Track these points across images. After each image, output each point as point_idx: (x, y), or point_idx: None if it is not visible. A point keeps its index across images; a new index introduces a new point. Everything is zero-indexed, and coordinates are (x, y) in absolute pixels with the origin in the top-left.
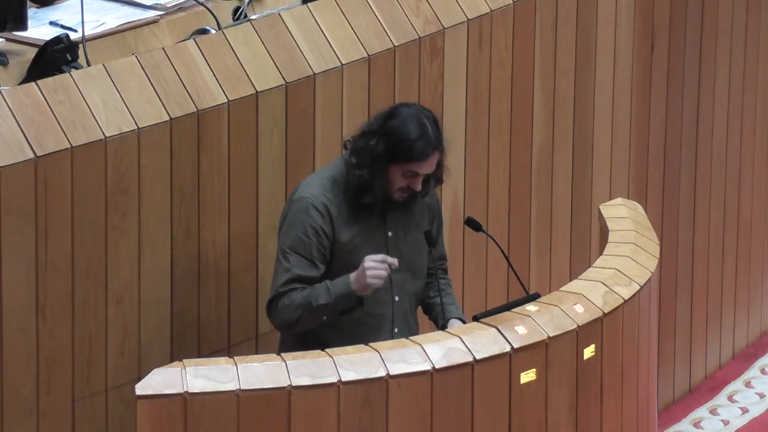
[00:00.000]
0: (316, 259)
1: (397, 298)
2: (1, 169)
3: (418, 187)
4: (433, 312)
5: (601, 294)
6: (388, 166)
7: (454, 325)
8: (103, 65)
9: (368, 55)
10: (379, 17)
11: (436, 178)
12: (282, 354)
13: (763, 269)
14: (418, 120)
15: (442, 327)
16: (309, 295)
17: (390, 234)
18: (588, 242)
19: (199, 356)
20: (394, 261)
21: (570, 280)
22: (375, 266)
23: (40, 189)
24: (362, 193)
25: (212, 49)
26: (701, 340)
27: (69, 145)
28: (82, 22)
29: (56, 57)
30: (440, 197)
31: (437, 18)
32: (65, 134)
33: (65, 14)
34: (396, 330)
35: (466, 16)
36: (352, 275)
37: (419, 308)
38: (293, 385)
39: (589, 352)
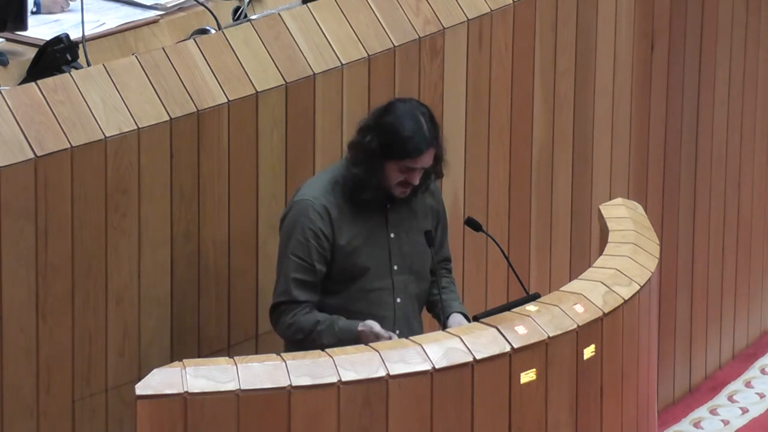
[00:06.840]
0: (315, 261)
1: (399, 300)
2: (1, 169)
3: (416, 181)
4: (435, 309)
5: (601, 294)
6: (383, 162)
7: (456, 318)
8: (103, 65)
9: (368, 55)
10: (379, 17)
11: (435, 172)
12: (282, 354)
13: (763, 269)
14: (413, 116)
15: (444, 321)
16: (312, 330)
17: (392, 236)
18: (588, 242)
19: (199, 356)
20: (391, 335)
21: (570, 280)
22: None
23: (40, 189)
24: (359, 190)
25: (212, 49)
26: (701, 340)
27: (69, 145)
28: (82, 22)
29: (56, 57)
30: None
31: (437, 18)
32: (65, 134)
33: (65, 14)
34: (397, 332)
35: (466, 16)
36: (359, 330)
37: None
38: (293, 385)
39: (589, 352)
